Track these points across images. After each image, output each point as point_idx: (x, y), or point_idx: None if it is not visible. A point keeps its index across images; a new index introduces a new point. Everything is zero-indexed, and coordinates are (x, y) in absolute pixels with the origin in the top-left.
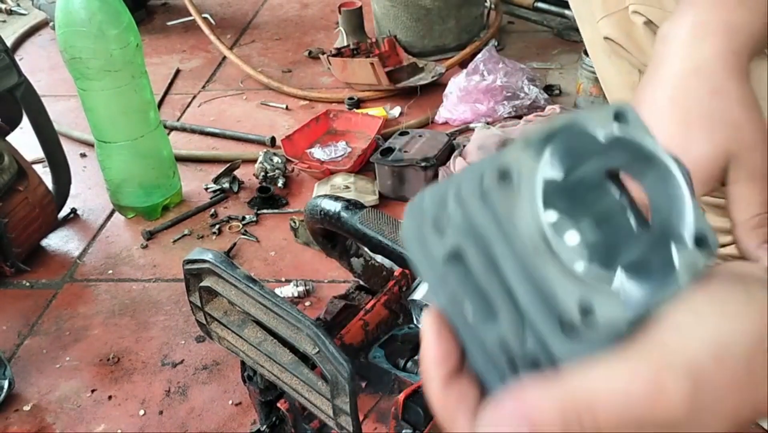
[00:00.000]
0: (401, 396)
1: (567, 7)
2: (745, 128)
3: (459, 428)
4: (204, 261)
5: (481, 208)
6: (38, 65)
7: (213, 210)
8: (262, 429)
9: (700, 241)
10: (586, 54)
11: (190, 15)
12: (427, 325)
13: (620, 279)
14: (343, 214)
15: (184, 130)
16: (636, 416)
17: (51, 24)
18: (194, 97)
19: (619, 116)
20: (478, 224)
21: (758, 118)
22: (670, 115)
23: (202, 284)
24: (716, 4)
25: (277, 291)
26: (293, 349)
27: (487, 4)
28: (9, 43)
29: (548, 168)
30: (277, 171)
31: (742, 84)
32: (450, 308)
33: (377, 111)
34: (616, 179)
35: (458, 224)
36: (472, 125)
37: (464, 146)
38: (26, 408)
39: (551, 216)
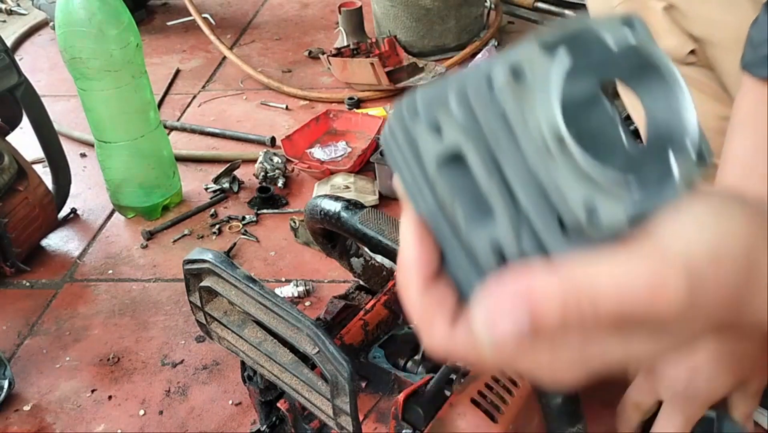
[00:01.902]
0: (401, 396)
1: (567, 7)
2: None
3: (437, 333)
4: (204, 261)
5: (488, 106)
6: (38, 65)
7: (213, 210)
8: (262, 429)
9: (699, 153)
10: None
11: (190, 15)
12: (406, 230)
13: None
14: (343, 214)
15: (184, 130)
16: (635, 309)
17: (51, 24)
18: (194, 97)
19: (628, 25)
20: (484, 122)
21: None
22: None
23: (202, 284)
24: None
25: (277, 291)
26: (293, 349)
27: (487, 4)
28: (9, 43)
29: (562, 69)
30: (277, 171)
31: None
32: (434, 214)
33: (377, 111)
34: (606, 92)
35: (461, 124)
36: None
37: None
38: (26, 408)
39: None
